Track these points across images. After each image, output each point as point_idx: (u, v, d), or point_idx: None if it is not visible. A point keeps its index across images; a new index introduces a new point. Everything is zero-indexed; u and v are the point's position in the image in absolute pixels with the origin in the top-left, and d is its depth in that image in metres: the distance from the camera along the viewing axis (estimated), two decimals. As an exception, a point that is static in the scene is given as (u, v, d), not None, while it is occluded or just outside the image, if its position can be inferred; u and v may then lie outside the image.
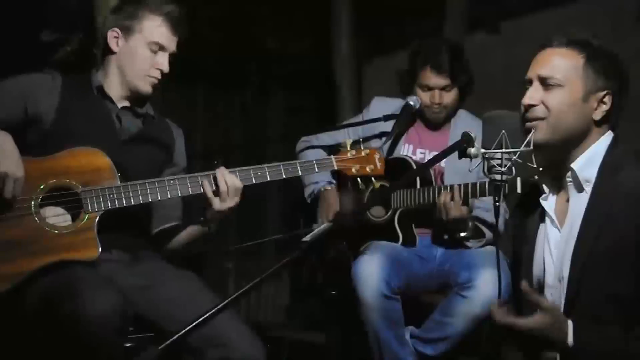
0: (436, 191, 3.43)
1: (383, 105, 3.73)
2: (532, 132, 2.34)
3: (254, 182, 2.85)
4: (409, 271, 3.48)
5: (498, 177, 2.33)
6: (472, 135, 2.36)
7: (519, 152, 2.32)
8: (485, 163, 2.34)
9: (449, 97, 3.60)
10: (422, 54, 3.61)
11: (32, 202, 2.70)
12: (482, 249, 3.48)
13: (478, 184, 3.32)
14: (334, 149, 3.78)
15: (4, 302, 2.65)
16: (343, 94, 5.66)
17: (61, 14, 3.86)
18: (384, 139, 3.65)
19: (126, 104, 2.97)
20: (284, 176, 2.88)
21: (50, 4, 3.85)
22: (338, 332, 3.67)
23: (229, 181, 2.81)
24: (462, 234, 3.47)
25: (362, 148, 2.93)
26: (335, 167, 2.91)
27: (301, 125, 6.29)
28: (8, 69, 2.89)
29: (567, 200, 2.39)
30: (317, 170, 2.90)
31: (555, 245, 2.38)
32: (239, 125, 6.07)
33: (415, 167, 3.53)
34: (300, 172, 2.90)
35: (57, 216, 2.74)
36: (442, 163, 3.63)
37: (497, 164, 2.32)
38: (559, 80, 2.37)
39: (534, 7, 5.66)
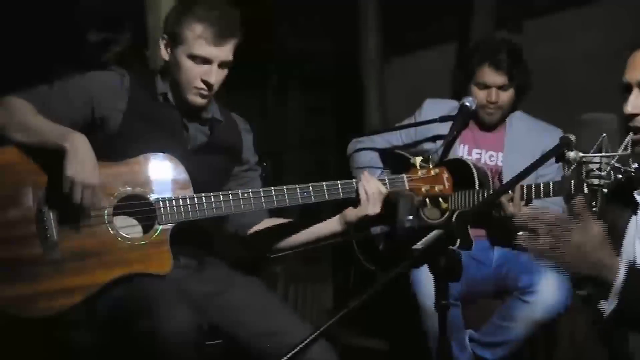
0: (496, 192, 3.37)
1: (436, 107, 3.66)
2: (629, 136, 2.27)
3: None
4: (467, 276, 3.39)
5: (596, 181, 2.27)
6: (571, 138, 2.29)
7: (617, 156, 2.27)
8: (583, 167, 2.28)
9: (506, 96, 3.53)
10: (480, 52, 3.54)
11: (106, 211, 2.62)
12: (542, 252, 3.42)
13: (542, 185, 3.26)
14: (388, 152, 3.77)
15: (77, 314, 2.60)
16: (370, 95, 5.58)
17: (109, 14, 3.76)
18: (437, 141, 3.61)
19: (187, 110, 2.82)
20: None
21: (98, 4, 3.75)
22: (396, 338, 3.61)
23: (373, 187, 2.80)
24: (520, 233, 3.40)
25: (431, 167, 2.86)
26: (407, 186, 2.84)
27: (321, 126, 6.22)
28: (55, 69, 2.78)
29: None
30: (388, 188, 2.84)
31: None
32: (258, 125, 5.99)
33: (473, 168, 3.46)
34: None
35: (128, 226, 2.67)
36: (499, 162, 3.59)
37: (596, 168, 2.26)
38: None
39: (556, 6, 5.62)
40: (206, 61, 2.71)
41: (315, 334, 1.98)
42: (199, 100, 2.76)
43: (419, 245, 1.98)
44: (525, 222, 1.92)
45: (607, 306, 1.99)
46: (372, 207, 2.82)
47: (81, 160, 2.52)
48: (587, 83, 5.05)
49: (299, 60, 6.13)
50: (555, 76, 5.28)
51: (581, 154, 2.27)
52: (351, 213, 2.86)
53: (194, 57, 2.70)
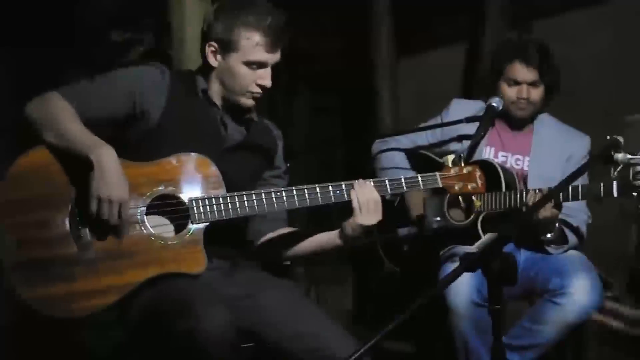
0: (524, 195, 3.34)
1: (462, 108, 3.63)
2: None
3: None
4: (493, 277, 3.39)
5: (644, 184, 2.25)
6: (620, 139, 2.27)
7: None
8: (631, 169, 2.26)
9: (536, 93, 3.50)
10: (510, 49, 3.52)
11: (139, 210, 2.59)
12: (569, 254, 3.40)
13: (570, 188, 3.21)
14: (413, 152, 3.73)
15: (111, 314, 2.59)
16: (382, 95, 5.55)
17: (132, 13, 3.72)
18: (463, 142, 3.58)
19: (228, 110, 2.82)
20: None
21: (120, 3, 3.71)
22: (423, 340, 3.58)
23: (364, 195, 2.70)
24: (548, 235, 3.38)
25: (463, 165, 2.82)
26: (440, 185, 2.81)
27: (330, 127, 6.18)
28: (79, 69, 2.75)
29: None
30: (421, 186, 2.81)
31: None
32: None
33: (499, 169, 3.42)
34: (405, 187, 2.82)
35: (160, 226, 2.64)
36: (525, 166, 3.56)
37: (644, 170, 2.25)
38: None
39: (566, 6, 5.62)
40: (262, 65, 2.72)
41: (369, 345, 1.93)
42: (250, 103, 2.78)
43: (473, 248, 1.94)
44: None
45: None
46: (368, 216, 2.72)
47: (107, 176, 2.50)
48: (597, 83, 5.04)
49: (308, 61, 6.09)
50: (565, 76, 5.26)
51: (629, 156, 2.26)
52: (348, 226, 2.77)
53: (250, 63, 2.70)
